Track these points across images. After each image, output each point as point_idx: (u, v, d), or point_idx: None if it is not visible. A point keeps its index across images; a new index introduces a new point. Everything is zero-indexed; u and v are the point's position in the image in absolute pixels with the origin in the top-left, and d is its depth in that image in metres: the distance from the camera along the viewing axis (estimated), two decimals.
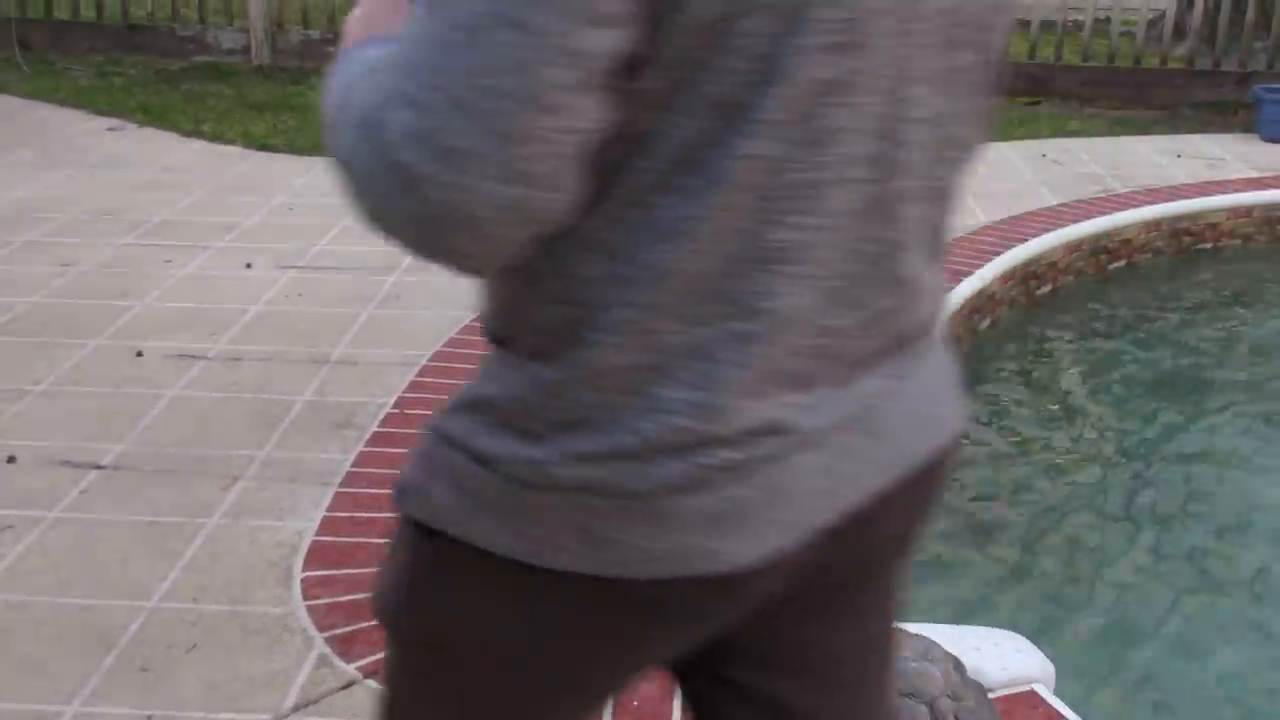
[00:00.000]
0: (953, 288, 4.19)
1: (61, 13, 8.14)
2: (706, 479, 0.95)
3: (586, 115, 0.82)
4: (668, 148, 0.89)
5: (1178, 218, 5.37)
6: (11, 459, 3.00)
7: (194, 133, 6.25)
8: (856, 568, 1.17)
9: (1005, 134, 6.94)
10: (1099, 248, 5.08)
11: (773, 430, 0.97)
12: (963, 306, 4.17)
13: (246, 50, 7.99)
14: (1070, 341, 4.52)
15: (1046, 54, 8.02)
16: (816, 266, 0.95)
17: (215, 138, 6.07)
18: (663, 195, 0.90)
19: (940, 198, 1.05)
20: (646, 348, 0.93)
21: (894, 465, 1.08)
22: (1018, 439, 3.82)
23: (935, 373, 1.14)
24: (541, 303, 0.96)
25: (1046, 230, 4.93)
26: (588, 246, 0.92)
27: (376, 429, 3.18)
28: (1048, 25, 8.17)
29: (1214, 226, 5.47)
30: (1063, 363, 4.36)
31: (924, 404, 1.11)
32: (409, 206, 0.82)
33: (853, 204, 0.95)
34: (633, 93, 0.87)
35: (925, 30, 0.94)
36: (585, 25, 0.79)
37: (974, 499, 3.45)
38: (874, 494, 1.07)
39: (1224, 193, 5.63)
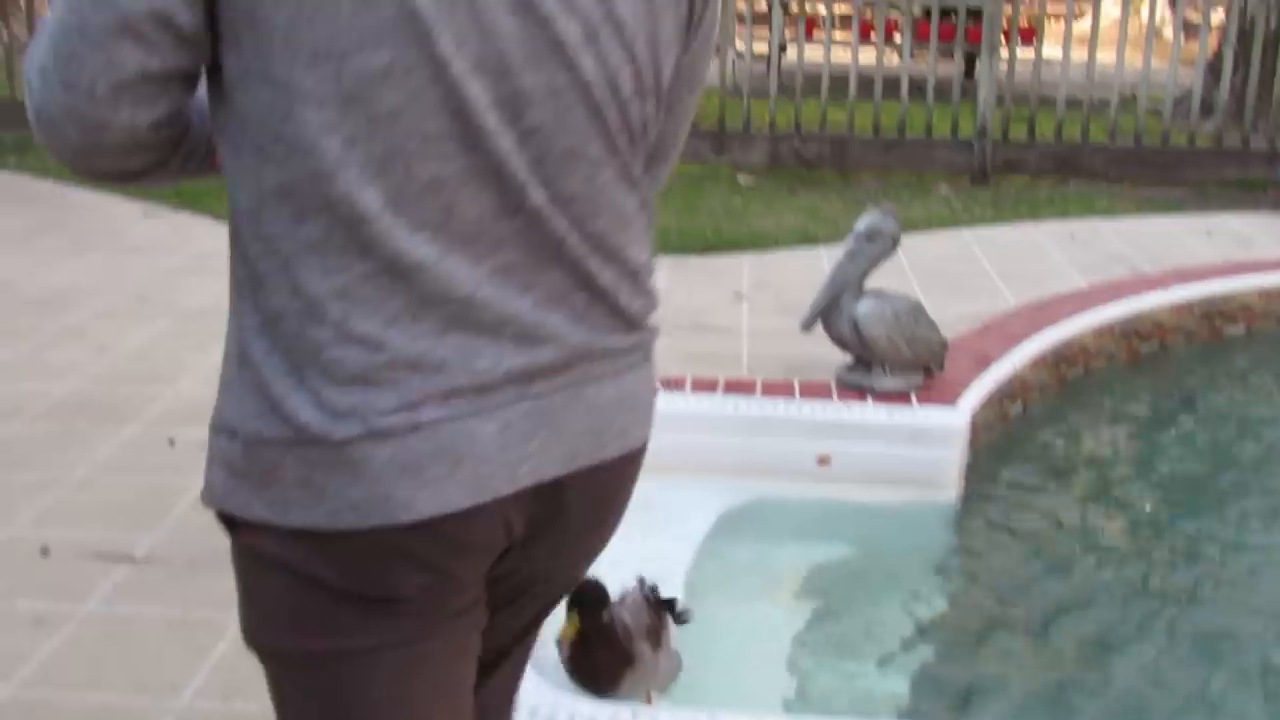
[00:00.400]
0: (979, 373, 4.19)
1: None
2: (388, 430, 1.15)
3: (129, 55, 1.10)
4: (255, 117, 1.13)
5: (1209, 300, 5.34)
6: (45, 551, 3.02)
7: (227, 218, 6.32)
8: (547, 554, 1.35)
9: (1033, 213, 6.97)
10: (1130, 331, 5.06)
11: (425, 365, 1.16)
12: (994, 393, 4.15)
13: None
14: (1103, 428, 4.49)
15: (1072, 133, 8.06)
16: (423, 220, 1.15)
17: None
18: (265, 164, 1.14)
19: (575, 204, 1.23)
20: (297, 294, 1.14)
21: (567, 460, 1.27)
22: (1048, 532, 3.79)
23: (629, 386, 1.32)
24: (239, 264, 1.21)
25: (1076, 313, 4.92)
26: (240, 217, 1.18)
27: None
28: (1074, 104, 8.22)
29: (1247, 308, 5.45)
30: (1095, 450, 4.33)
31: (608, 413, 1.29)
32: (30, 110, 1.16)
33: (444, 171, 1.15)
34: (211, 67, 1.16)
35: (471, 40, 1.13)
36: None
37: (1000, 583, 3.42)
38: (552, 483, 1.26)
39: (1256, 273, 5.62)
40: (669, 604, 2.73)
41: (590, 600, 2.50)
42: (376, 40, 1.09)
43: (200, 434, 3.91)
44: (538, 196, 1.19)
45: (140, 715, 2.42)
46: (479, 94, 1.14)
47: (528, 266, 1.20)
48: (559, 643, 2.55)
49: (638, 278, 1.31)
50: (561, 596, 1.51)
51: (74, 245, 5.81)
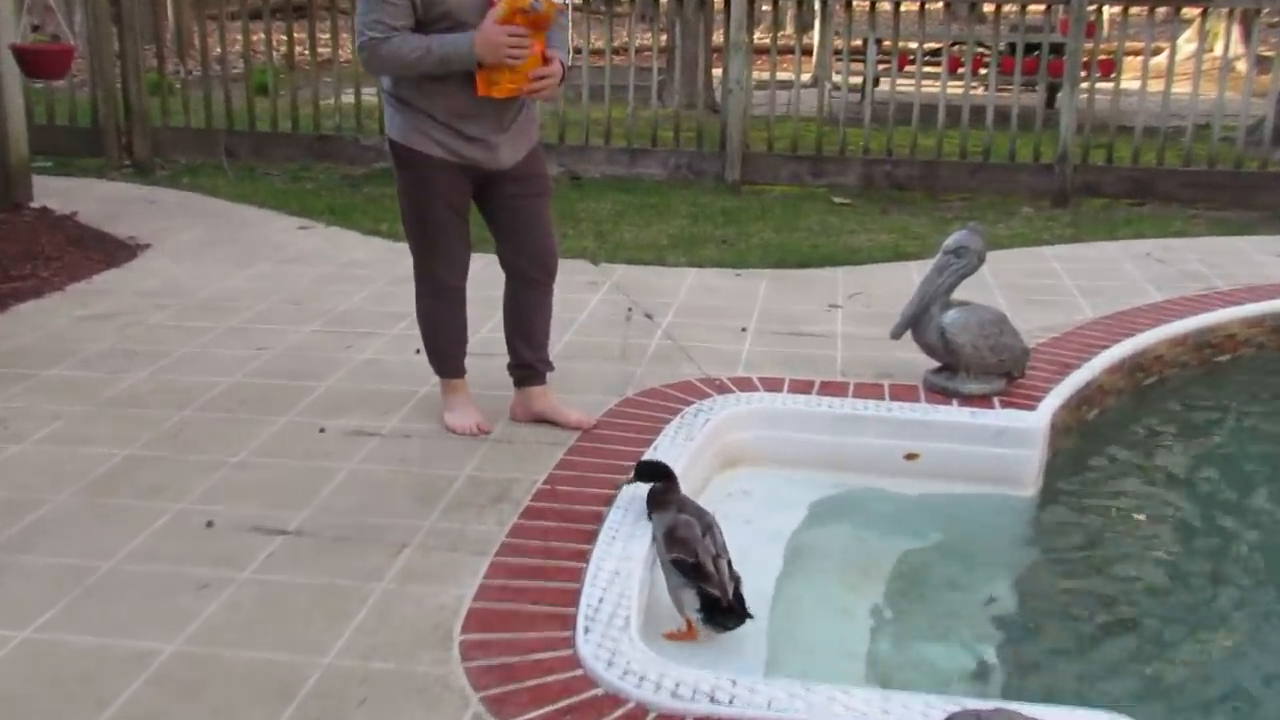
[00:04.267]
0: (1060, 379, 4.09)
1: (262, 125, 8.50)
2: None
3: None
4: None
5: None
6: (210, 524, 3.08)
7: (373, 231, 6.43)
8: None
9: (1110, 233, 6.79)
10: (1203, 342, 4.90)
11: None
12: (1071, 398, 4.04)
13: None
14: (1175, 432, 4.35)
15: (1149, 158, 7.84)
16: None
17: (392, 236, 6.20)
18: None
19: None
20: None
21: None
22: (1121, 525, 3.68)
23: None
24: None
25: (1151, 325, 4.78)
26: None
27: (529, 503, 3.20)
28: (1150, 131, 7.99)
29: None
30: (1167, 452, 4.19)
31: None
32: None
33: None
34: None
35: None
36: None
37: (1073, 574, 3.32)
38: None
39: None
40: (717, 602, 2.70)
41: (645, 471, 3.07)
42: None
43: (346, 424, 3.94)
44: None
45: (290, 671, 2.45)
46: None
47: None
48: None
49: None
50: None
51: (241, 256, 5.93)
